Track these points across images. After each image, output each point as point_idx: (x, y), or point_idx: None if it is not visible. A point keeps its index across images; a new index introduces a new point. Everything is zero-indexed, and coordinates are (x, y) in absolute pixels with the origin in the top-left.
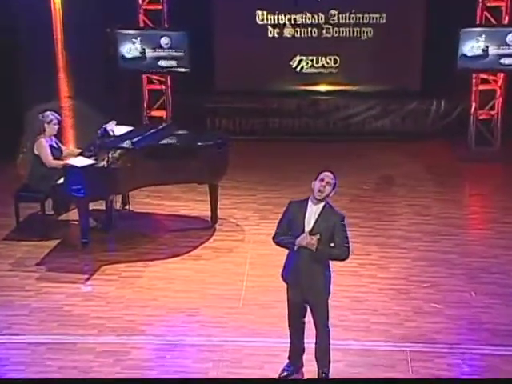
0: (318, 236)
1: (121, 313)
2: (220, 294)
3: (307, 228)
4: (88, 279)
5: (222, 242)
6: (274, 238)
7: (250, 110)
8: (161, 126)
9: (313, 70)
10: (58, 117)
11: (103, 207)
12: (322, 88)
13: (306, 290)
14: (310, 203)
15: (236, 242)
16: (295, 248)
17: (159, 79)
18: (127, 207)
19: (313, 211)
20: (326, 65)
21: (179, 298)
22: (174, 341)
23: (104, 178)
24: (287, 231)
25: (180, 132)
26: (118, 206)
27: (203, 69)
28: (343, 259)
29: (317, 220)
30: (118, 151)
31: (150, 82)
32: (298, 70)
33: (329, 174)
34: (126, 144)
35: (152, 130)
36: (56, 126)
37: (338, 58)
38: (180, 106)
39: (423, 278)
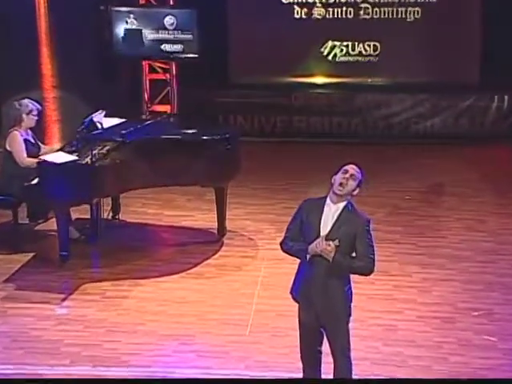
0: (336, 242)
1: (101, 339)
2: (223, 318)
3: (323, 232)
4: (64, 299)
5: (229, 259)
6: (282, 243)
7: (271, 107)
8: (159, 118)
9: (348, 59)
10: (39, 106)
11: (89, 216)
12: (359, 80)
13: (321, 310)
14: (327, 202)
15: (246, 258)
16: (307, 257)
17: (162, 67)
18: (118, 216)
19: (331, 212)
20: (363, 52)
21: (173, 322)
22: (163, 373)
23: (87, 178)
24: (299, 236)
25: (181, 125)
26: (106, 214)
27: (215, 55)
28: (366, 273)
29: (335, 223)
30: (106, 146)
31: (152, 70)
32: (330, 58)
33: (354, 166)
34: (115, 137)
35: (148, 122)
36: (35, 118)
37: (378, 45)
38: (187, 99)
39: (474, 305)
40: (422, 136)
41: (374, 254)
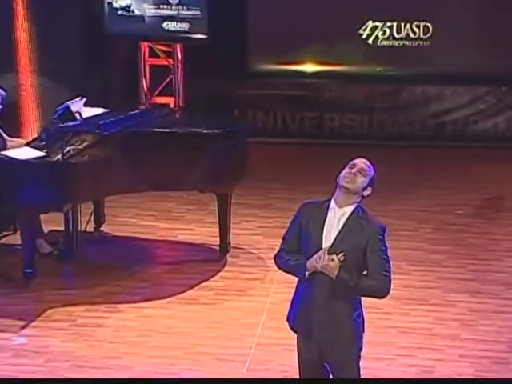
0: (341, 256)
1: (63, 376)
2: (216, 353)
3: (325, 243)
4: (24, 327)
5: (231, 281)
6: (276, 257)
7: (298, 101)
8: (149, 108)
9: (392, 43)
10: (2, 93)
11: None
12: (406, 69)
13: (324, 342)
14: (331, 206)
15: (253, 281)
16: (306, 274)
17: (165, 50)
18: (102, 228)
19: (336, 218)
20: (411, 35)
21: (154, 357)
22: None
23: (57, 178)
24: (297, 248)
25: (177, 116)
26: (85, 225)
27: (230, 36)
28: (379, 295)
29: (341, 231)
30: (85, 142)
31: (153, 54)
32: (370, 41)
33: (364, 160)
34: (90, 128)
35: (135, 112)
36: None
37: (429, 25)
38: (195, 90)
39: None
40: (481, 138)
41: (389, 271)
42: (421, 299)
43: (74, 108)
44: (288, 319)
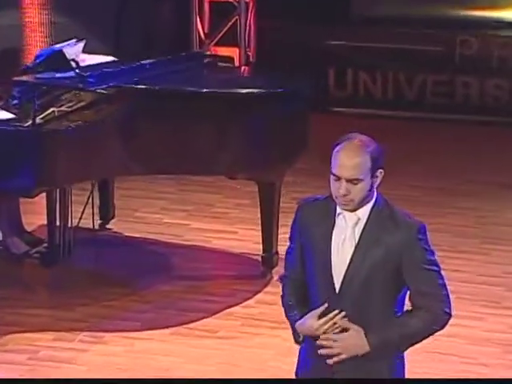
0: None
1: None
2: None
3: (337, 266)
4: None
5: (270, 307)
6: (283, 288)
7: (419, 58)
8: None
9: None
10: None
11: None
12: None
13: None
14: (339, 210)
15: None
16: (301, 338)
17: None
18: (110, 226)
19: (348, 226)
20: None
21: None
22: None
23: (25, 151)
24: (302, 275)
25: (212, 69)
26: (79, 219)
27: None
28: (437, 329)
29: (358, 245)
30: (81, 102)
31: None
32: None
33: (352, 150)
34: (73, 82)
35: (150, 61)
36: None
37: None
38: (271, 39)
39: None
40: None
41: (442, 284)
42: None
43: (68, 52)
44: (296, 374)
